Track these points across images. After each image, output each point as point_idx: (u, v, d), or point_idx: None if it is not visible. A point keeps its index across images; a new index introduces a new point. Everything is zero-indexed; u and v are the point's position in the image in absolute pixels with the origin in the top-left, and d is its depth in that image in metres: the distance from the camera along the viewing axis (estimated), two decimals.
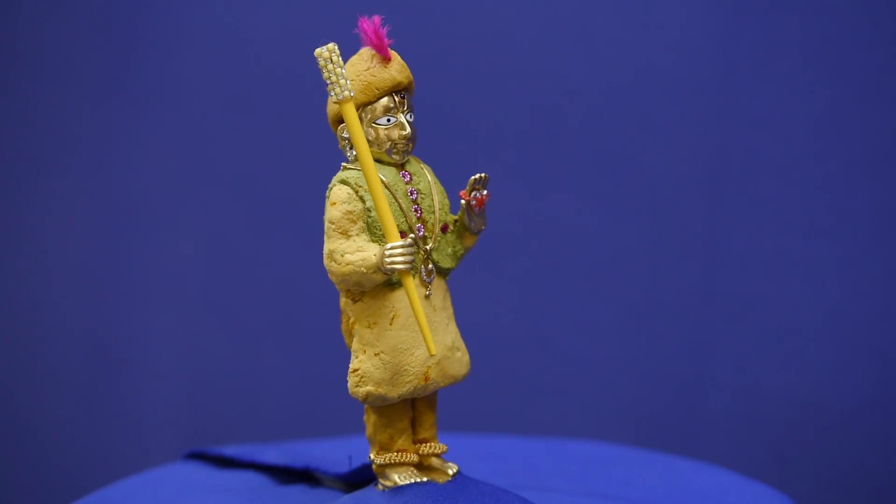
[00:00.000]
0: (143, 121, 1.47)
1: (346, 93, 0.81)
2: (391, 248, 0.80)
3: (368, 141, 0.83)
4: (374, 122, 0.83)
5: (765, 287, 1.35)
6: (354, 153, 0.83)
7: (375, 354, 0.82)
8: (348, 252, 0.81)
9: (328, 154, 1.45)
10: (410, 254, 0.80)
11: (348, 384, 0.83)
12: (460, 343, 0.85)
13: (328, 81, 0.80)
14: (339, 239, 0.81)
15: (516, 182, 1.40)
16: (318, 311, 1.45)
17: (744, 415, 1.36)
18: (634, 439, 1.35)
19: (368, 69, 0.83)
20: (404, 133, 0.83)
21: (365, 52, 0.84)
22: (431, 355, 0.81)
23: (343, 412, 1.46)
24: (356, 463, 0.94)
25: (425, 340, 0.81)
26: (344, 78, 0.80)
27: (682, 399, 1.38)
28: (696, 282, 1.36)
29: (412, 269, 0.81)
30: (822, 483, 1.35)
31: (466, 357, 0.85)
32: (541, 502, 0.88)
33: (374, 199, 0.81)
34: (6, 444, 1.54)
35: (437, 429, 0.87)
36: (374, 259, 0.80)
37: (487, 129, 1.40)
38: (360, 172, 0.82)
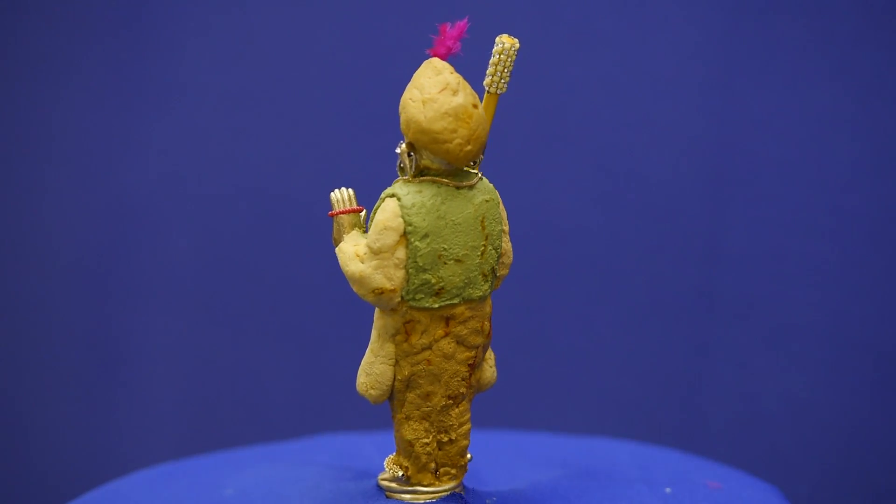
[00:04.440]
0: (145, 119, 1.47)
1: (503, 89, 0.83)
2: None
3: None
4: None
5: (765, 287, 1.35)
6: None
7: None
8: None
9: (327, 153, 1.45)
10: None
11: (495, 375, 0.87)
12: None
13: (493, 71, 0.82)
14: None
15: (515, 182, 1.40)
16: (319, 309, 1.45)
17: (743, 415, 1.36)
18: (633, 438, 1.35)
19: None
20: None
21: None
22: None
23: (343, 411, 1.46)
24: None
25: None
26: (500, 74, 0.83)
27: (681, 399, 1.38)
28: (696, 282, 1.36)
29: None
30: (821, 483, 1.35)
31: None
32: (541, 499, 0.88)
33: None
34: (5, 443, 1.54)
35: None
36: None
37: None
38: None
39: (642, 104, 1.36)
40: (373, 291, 0.80)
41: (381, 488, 0.86)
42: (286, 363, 1.48)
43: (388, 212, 0.80)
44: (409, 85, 0.81)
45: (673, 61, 1.35)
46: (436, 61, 0.82)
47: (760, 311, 1.35)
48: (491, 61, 0.82)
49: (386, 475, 0.86)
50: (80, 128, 1.48)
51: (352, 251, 0.81)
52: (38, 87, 1.49)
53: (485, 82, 0.83)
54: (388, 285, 0.80)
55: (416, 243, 0.80)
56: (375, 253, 0.80)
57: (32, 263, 1.51)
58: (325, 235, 1.45)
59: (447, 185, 0.81)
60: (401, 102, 0.81)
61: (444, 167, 0.81)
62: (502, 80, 0.83)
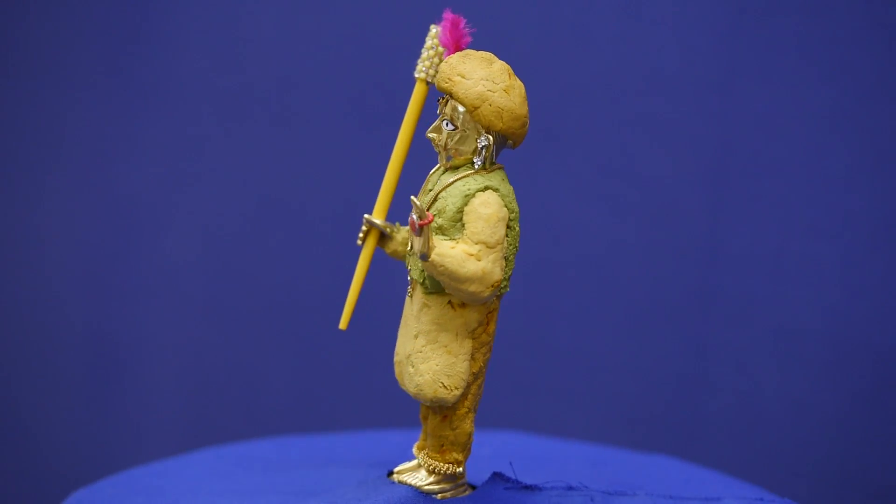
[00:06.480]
0: (146, 119, 1.47)
1: (421, 74, 0.84)
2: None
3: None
4: None
5: (765, 287, 1.35)
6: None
7: None
8: None
9: (325, 152, 1.45)
10: (362, 230, 0.85)
11: None
12: (417, 362, 0.81)
13: (426, 60, 0.83)
14: None
15: (515, 181, 1.40)
16: (318, 307, 1.45)
17: (742, 415, 1.36)
18: (632, 439, 1.35)
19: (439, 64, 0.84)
20: (430, 134, 0.82)
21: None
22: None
23: (345, 408, 1.47)
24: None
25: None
26: (431, 62, 0.84)
27: (681, 399, 1.38)
28: (696, 282, 1.36)
29: (360, 244, 0.86)
30: (821, 484, 1.35)
31: (418, 379, 0.81)
32: (539, 500, 0.88)
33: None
34: (6, 441, 1.54)
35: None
36: None
37: None
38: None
39: (643, 104, 1.36)
40: (492, 285, 0.79)
41: (426, 494, 0.83)
42: (286, 363, 1.48)
43: (494, 205, 0.80)
44: (461, 81, 0.80)
45: (674, 61, 1.35)
46: (471, 52, 0.82)
47: (760, 311, 1.35)
48: (426, 54, 0.83)
49: (428, 479, 0.84)
50: (80, 128, 1.49)
51: (460, 253, 0.79)
52: (39, 87, 1.49)
53: (418, 70, 0.85)
54: (502, 276, 0.80)
55: (517, 228, 0.81)
56: (492, 247, 0.79)
57: (33, 263, 1.52)
58: (324, 235, 1.45)
59: (502, 170, 0.83)
60: (474, 97, 0.80)
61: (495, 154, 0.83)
62: (433, 69, 0.84)
